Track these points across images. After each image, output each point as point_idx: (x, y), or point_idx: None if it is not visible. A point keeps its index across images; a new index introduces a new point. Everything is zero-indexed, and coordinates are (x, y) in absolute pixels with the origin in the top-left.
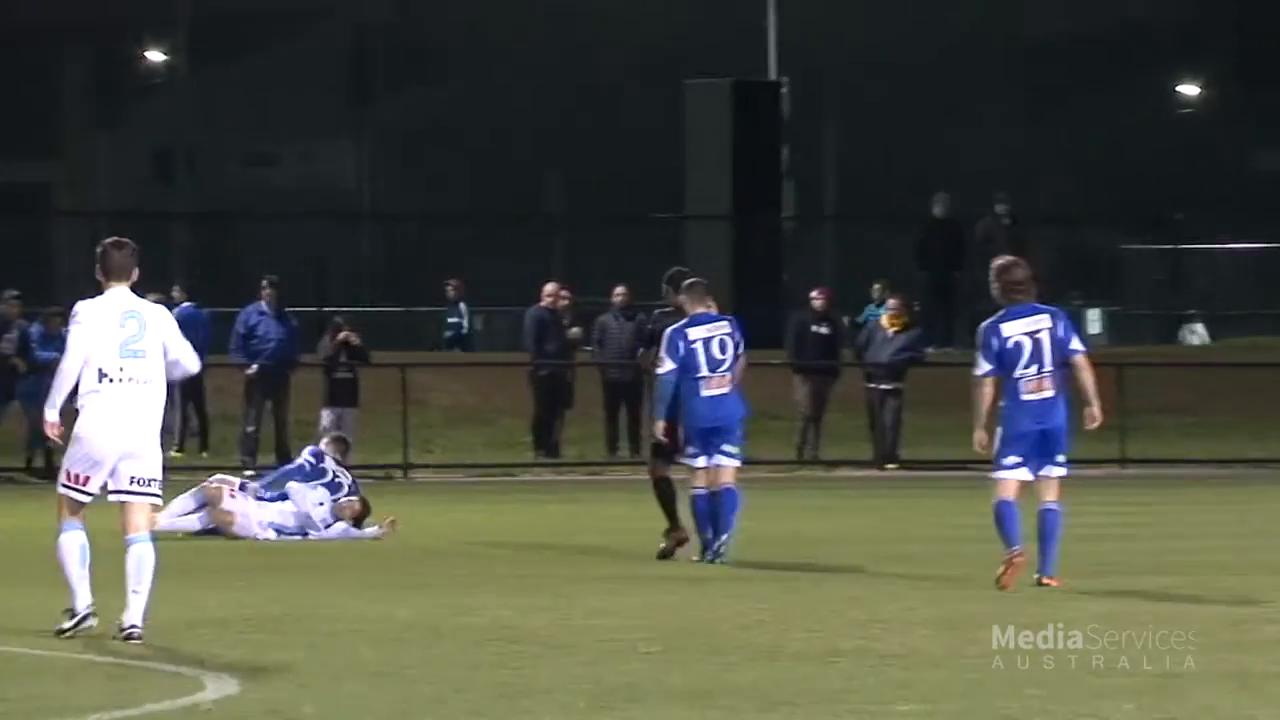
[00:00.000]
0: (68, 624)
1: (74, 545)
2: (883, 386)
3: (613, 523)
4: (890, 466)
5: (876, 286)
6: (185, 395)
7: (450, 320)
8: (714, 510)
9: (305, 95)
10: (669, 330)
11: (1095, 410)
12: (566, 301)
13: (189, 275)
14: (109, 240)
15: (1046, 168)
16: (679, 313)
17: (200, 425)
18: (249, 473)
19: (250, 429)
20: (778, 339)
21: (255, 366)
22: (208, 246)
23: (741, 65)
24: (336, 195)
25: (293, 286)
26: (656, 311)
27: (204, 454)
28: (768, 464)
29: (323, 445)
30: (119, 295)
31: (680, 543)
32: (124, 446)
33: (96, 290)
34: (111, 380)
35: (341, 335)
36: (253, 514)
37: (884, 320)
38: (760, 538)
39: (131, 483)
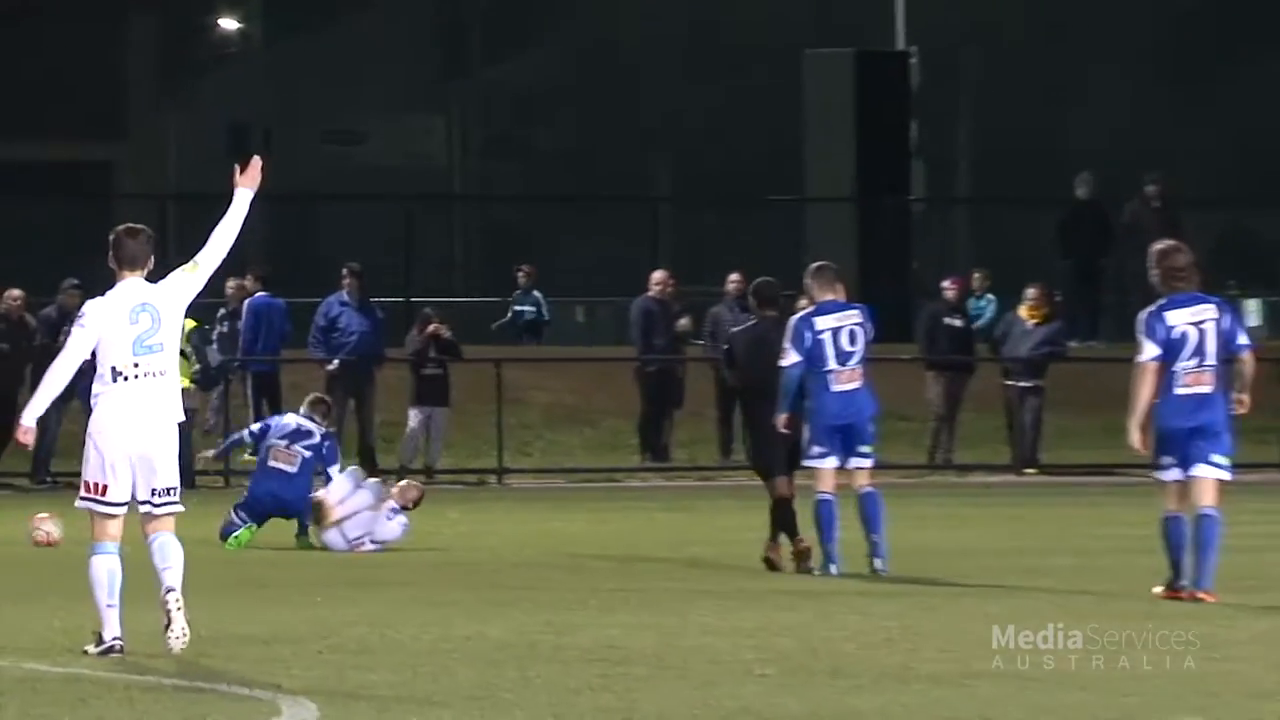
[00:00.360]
0: (93, 648)
1: (102, 571)
2: (1021, 384)
3: (726, 533)
4: (1029, 471)
5: (976, 276)
6: (259, 392)
7: (518, 309)
8: (862, 515)
9: (392, 66)
10: (795, 319)
11: (1245, 397)
12: (674, 290)
13: (264, 262)
14: (122, 227)
15: (1200, 145)
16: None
17: None
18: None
19: (331, 430)
20: (906, 332)
21: (336, 362)
22: (285, 231)
23: (866, 33)
24: (426, 175)
25: (377, 274)
26: (733, 330)
27: None
28: (896, 468)
29: (301, 411)
30: (131, 287)
31: (802, 555)
32: (141, 446)
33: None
34: (126, 378)
35: (431, 328)
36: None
37: (1023, 311)
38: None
39: (153, 495)
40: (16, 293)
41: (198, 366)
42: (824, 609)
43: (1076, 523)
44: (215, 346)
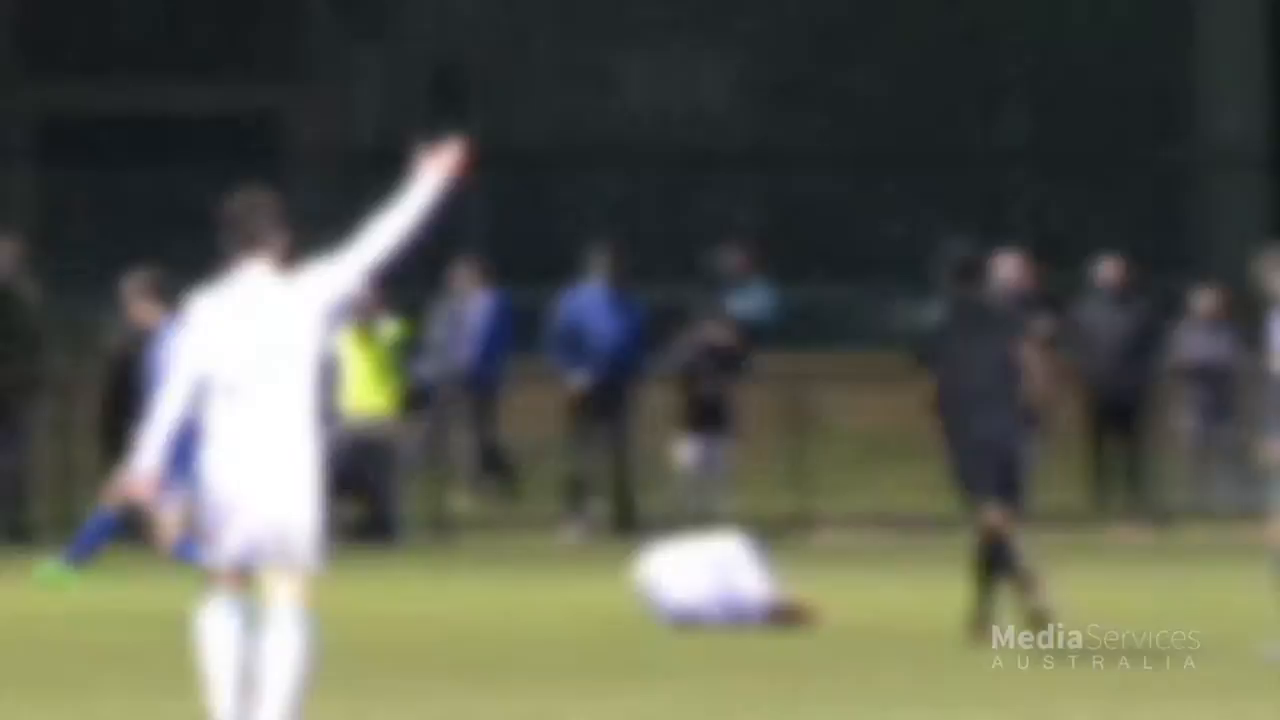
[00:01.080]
0: None
1: (217, 636)
2: None
3: (1100, 600)
4: None
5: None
6: (474, 418)
7: (743, 303)
8: None
9: None
10: None
11: None
12: (1030, 280)
13: (484, 244)
14: (238, 195)
15: None
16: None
17: (499, 462)
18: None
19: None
20: None
21: (583, 377)
22: (511, 204)
23: None
24: (699, 129)
25: (638, 260)
26: (936, 325)
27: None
28: None
29: None
30: (249, 279)
31: (1039, 618)
32: (269, 487)
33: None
34: (240, 403)
35: (708, 332)
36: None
37: None
38: None
39: (274, 550)
40: None
41: (400, 386)
42: (1249, 709)
43: None
44: (444, 356)
